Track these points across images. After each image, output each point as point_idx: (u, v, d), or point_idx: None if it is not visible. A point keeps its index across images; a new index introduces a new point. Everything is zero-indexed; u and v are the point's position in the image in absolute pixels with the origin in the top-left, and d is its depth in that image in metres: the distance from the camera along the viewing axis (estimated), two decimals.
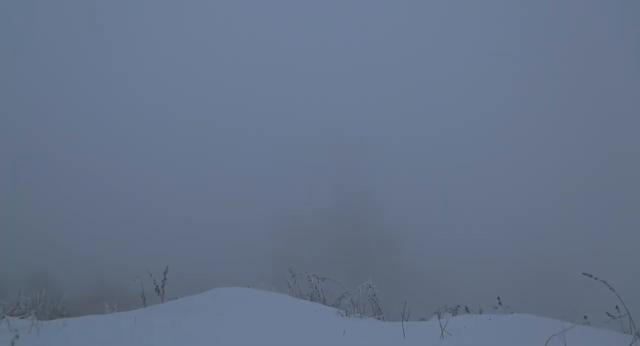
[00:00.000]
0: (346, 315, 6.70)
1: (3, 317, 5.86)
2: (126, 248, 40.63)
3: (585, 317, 6.01)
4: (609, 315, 5.68)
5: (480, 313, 7.24)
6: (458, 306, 7.65)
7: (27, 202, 48.12)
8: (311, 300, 8.04)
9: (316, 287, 8.15)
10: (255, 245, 46.12)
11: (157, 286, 7.83)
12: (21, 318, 7.00)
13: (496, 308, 7.15)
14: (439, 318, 5.76)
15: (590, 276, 5.27)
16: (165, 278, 7.90)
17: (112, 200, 50.24)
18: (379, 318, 6.99)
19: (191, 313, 6.40)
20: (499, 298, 7.24)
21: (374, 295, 7.33)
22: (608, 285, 5.19)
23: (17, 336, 5.05)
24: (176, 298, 7.64)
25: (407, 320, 6.60)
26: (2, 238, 41.09)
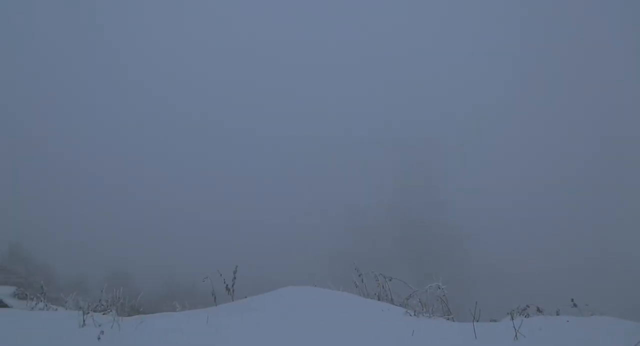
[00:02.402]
0: (414, 314, 6.60)
1: (88, 313, 6.23)
2: (196, 249, 42.20)
3: None
4: None
5: (557, 314, 6.91)
6: (527, 306, 7.32)
7: (107, 205, 50.91)
8: (378, 299, 7.98)
9: (383, 286, 8.08)
10: (321, 245, 46.55)
11: (227, 285, 8.03)
12: (103, 314, 7.42)
13: (574, 306, 6.80)
14: (512, 319, 5.56)
15: None
16: (234, 278, 8.09)
17: (184, 204, 52.15)
18: (448, 319, 6.84)
19: (260, 311, 6.51)
20: (572, 299, 6.88)
21: (444, 295, 7.16)
22: None
23: (102, 332, 5.38)
24: (245, 297, 7.82)
25: (477, 321, 6.40)
26: (84, 239, 43.79)
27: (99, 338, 5.36)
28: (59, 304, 9.56)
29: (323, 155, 60.72)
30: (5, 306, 8.67)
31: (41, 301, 8.98)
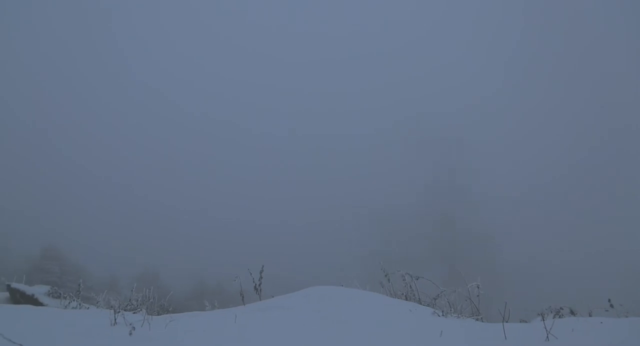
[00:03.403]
0: (442, 315, 6.53)
1: (119, 312, 6.35)
2: (224, 250, 42.63)
3: None
4: None
5: (590, 315, 6.73)
6: (561, 308, 7.16)
7: (133, 208, 51.76)
8: (406, 299, 7.92)
9: (410, 286, 8.01)
10: (347, 244, 46.52)
11: (255, 284, 8.09)
12: (134, 312, 7.56)
13: (607, 311, 6.60)
14: (543, 320, 5.43)
15: None
16: (261, 277, 8.14)
17: (210, 206, 52.68)
18: (477, 319, 6.74)
19: (287, 311, 6.54)
20: (609, 300, 6.69)
21: (478, 295, 7.03)
22: None
23: (133, 328, 5.48)
24: (272, 297, 7.86)
25: (507, 322, 6.29)
26: (114, 241, 44.68)
27: (130, 334, 5.46)
28: (91, 303, 9.78)
29: (346, 154, 60.59)
30: (41, 304, 8.91)
31: (74, 300, 9.21)
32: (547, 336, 4.99)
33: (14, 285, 9.35)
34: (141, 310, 8.19)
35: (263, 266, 8.19)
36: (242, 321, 6.08)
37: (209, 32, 78.86)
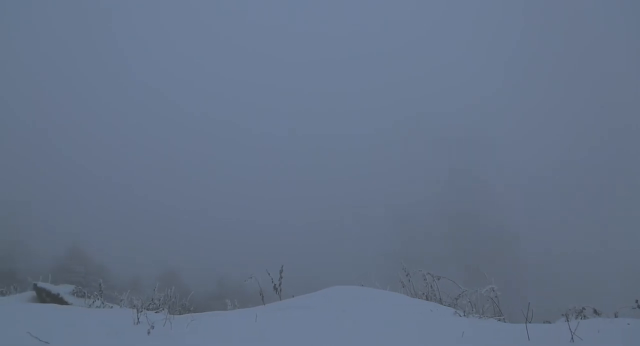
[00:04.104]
0: (464, 315, 6.47)
1: (141, 311, 6.44)
2: (244, 250, 42.85)
3: None
4: None
5: (616, 316, 6.59)
6: (584, 308, 7.01)
7: (140, 207, 52.28)
8: (427, 299, 7.86)
9: (431, 286, 7.95)
10: (368, 244, 46.37)
11: (274, 284, 8.12)
12: (156, 312, 7.66)
13: (634, 309, 6.45)
14: (567, 320, 5.34)
15: None
16: (281, 277, 8.16)
17: (209, 206, 52.91)
18: (499, 319, 6.65)
19: (307, 310, 6.54)
20: (637, 301, 6.53)
21: (496, 296, 6.96)
22: None
23: (152, 327, 5.55)
24: (293, 297, 7.88)
25: (530, 322, 6.20)
26: (135, 240, 45.27)
27: (148, 333, 5.53)
28: (114, 302, 9.93)
29: (346, 154, 60.45)
30: (66, 303, 9.07)
31: (98, 299, 9.36)
32: (572, 338, 4.90)
33: (40, 284, 9.53)
34: (163, 309, 8.29)
35: (283, 266, 8.21)
36: (263, 321, 6.11)
37: (209, 32, 79.30)
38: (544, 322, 6.78)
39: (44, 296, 9.28)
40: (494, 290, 6.96)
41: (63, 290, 9.48)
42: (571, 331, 4.93)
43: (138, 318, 6.27)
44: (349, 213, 52.04)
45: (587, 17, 66.99)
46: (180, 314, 8.14)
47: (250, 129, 65.73)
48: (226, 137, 64.97)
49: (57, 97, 66.29)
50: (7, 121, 58.33)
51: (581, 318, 6.40)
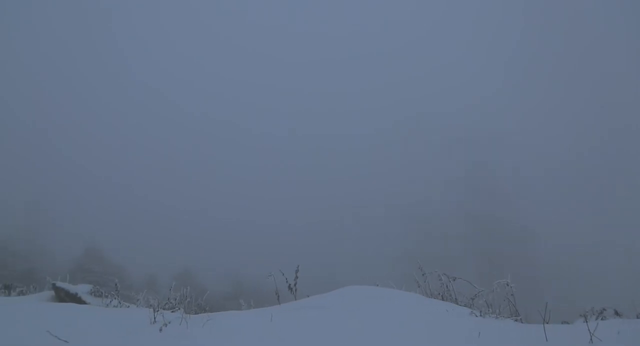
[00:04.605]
0: (480, 315, 6.42)
1: (158, 311, 6.49)
2: (259, 249, 43.00)
3: None
4: None
5: (638, 317, 6.48)
6: (604, 309, 6.91)
7: (157, 207, 52.61)
8: (442, 299, 7.82)
9: (447, 286, 7.90)
10: (383, 244, 46.21)
11: (289, 284, 8.12)
12: (172, 312, 7.71)
13: None
14: (586, 321, 5.26)
15: None
16: (297, 277, 8.17)
17: (209, 206, 53.03)
18: (516, 320, 6.59)
19: (323, 310, 6.54)
20: None
21: (511, 295, 6.87)
22: None
23: (164, 325, 5.60)
24: (308, 296, 7.88)
25: (547, 323, 6.12)
26: (152, 240, 45.65)
27: (160, 330, 5.57)
28: (130, 302, 10.02)
29: (346, 154, 60.30)
30: (84, 302, 9.17)
31: (115, 298, 9.46)
32: (591, 339, 4.83)
33: (59, 283, 9.65)
34: (179, 309, 8.34)
35: (299, 266, 8.22)
36: (278, 321, 6.12)
37: (209, 32, 79.36)
38: (561, 323, 6.70)
39: (63, 296, 9.39)
40: (508, 285, 6.87)
41: (81, 289, 9.59)
42: (590, 333, 4.86)
43: (155, 318, 6.32)
44: (350, 213, 52.03)
45: (587, 17, 66.59)
46: (196, 314, 8.18)
47: (250, 129, 65.92)
48: (226, 137, 65.14)
49: (57, 97, 66.82)
50: (7, 121, 58.82)
51: (601, 319, 6.32)
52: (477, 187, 53.08)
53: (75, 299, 9.27)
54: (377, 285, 8.25)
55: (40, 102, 64.92)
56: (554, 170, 54.05)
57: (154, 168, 58.28)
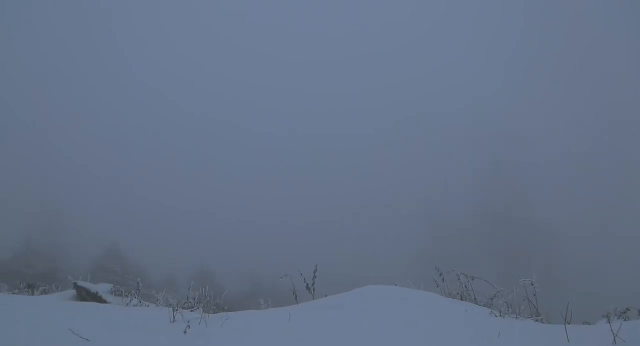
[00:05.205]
0: (500, 315, 6.35)
1: (177, 310, 6.55)
2: (278, 249, 43.16)
3: None
4: None
5: None
6: (628, 309, 6.77)
7: (157, 207, 53.01)
8: (461, 299, 7.75)
9: (466, 286, 7.83)
10: (401, 244, 46.05)
11: (307, 284, 8.13)
12: (191, 311, 7.78)
13: None
14: (609, 322, 5.17)
15: None
16: (315, 277, 8.18)
17: (228, 207, 53.30)
18: (537, 320, 6.50)
19: (341, 310, 6.53)
20: None
21: (534, 295, 6.77)
22: None
23: (188, 326, 5.65)
24: (326, 296, 7.88)
25: (569, 323, 6.03)
26: (171, 241, 46.09)
27: (185, 332, 5.62)
28: (150, 301, 10.12)
29: (346, 154, 60.11)
30: (104, 302, 9.30)
31: (135, 298, 9.57)
32: (615, 340, 4.75)
33: (80, 283, 9.79)
34: (198, 308, 8.41)
35: (317, 266, 8.22)
36: (297, 321, 6.13)
37: (209, 32, 79.59)
38: (584, 323, 6.60)
39: (84, 295, 9.53)
40: (532, 284, 6.77)
41: (102, 289, 9.72)
42: (613, 333, 4.78)
43: (174, 317, 6.38)
44: (358, 213, 51.97)
45: (587, 17, 65.81)
46: (214, 313, 8.24)
47: (250, 129, 66.13)
48: (226, 137, 65.38)
49: (57, 97, 67.47)
50: (7, 121, 59.48)
51: (624, 320, 6.21)
52: (492, 186, 52.72)
53: (97, 298, 9.41)
54: (396, 285, 8.22)
55: (40, 102, 65.61)
56: (559, 170, 53.62)
57: (154, 168, 58.77)
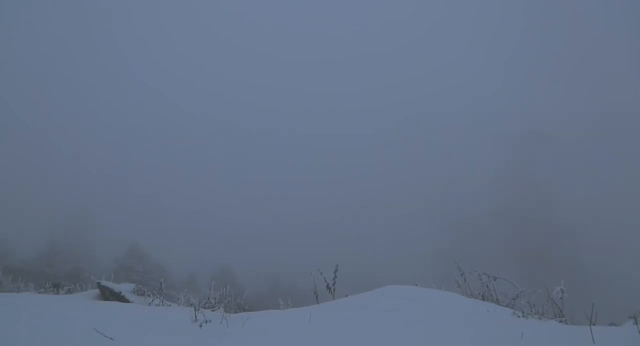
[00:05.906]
0: (523, 316, 6.27)
1: (198, 309, 6.61)
2: (298, 249, 43.25)
3: None
4: None
5: None
6: None
7: (158, 207, 53.34)
8: (483, 299, 7.68)
9: (487, 286, 7.75)
10: (422, 244, 45.79)
11: (327, 284, 8.13)
12: (212, 310, 7.83)
13: None
14: (636, 323, 5.07)
15: None
16: (335, 277, 8.17)
17: (228, 207, 53.44)
18: (561, 321, 6.40)
19: (361, 310, 6.52)
20: None
21: (560, 298, 6.65)
22: None
23: (204, 322, 5.70)
24: (346, 296, 7.87)
25: (594, 324, 5.93)
26: (192, 240, 46.48)
27: (200, 326, 5.67)
28: (172, 300, 10.21)
29: (346, 154, 59.78)
30: (127, 301, 9.41)
31: (157, 297, 9.66)
32: None
33: (103, 282, 9.93)
34: (219, 307, 8.45)
35: (337, 266, 8.22)
36: (317, 320, 6.13)
37: (209, 32, 79.77)
38: (609, 324, 6.48)
39: (107, 294, 9.66)
40: (563, 292, 6.64)
41: (124, 288, 9.83)
42: None
43: (195, 316, 6.44)
44: (332, 213, 51.84)
45: (587, 17, 64.75)
46: (235, 312, 8.28)
47: (250, 129, 66.19)
48: (226, 137, 65.50)
49: (57, 97, 68.12)
50: (7, 121, 60.18)
51: None
52: (506, 185, 52.25)
53: (119, 297, 9.52)
54: (417, 285, 8.17)
55: (40, 102, 66.34)
56: (565, 167, 53.02)
57: (154, 168, 59.21)
